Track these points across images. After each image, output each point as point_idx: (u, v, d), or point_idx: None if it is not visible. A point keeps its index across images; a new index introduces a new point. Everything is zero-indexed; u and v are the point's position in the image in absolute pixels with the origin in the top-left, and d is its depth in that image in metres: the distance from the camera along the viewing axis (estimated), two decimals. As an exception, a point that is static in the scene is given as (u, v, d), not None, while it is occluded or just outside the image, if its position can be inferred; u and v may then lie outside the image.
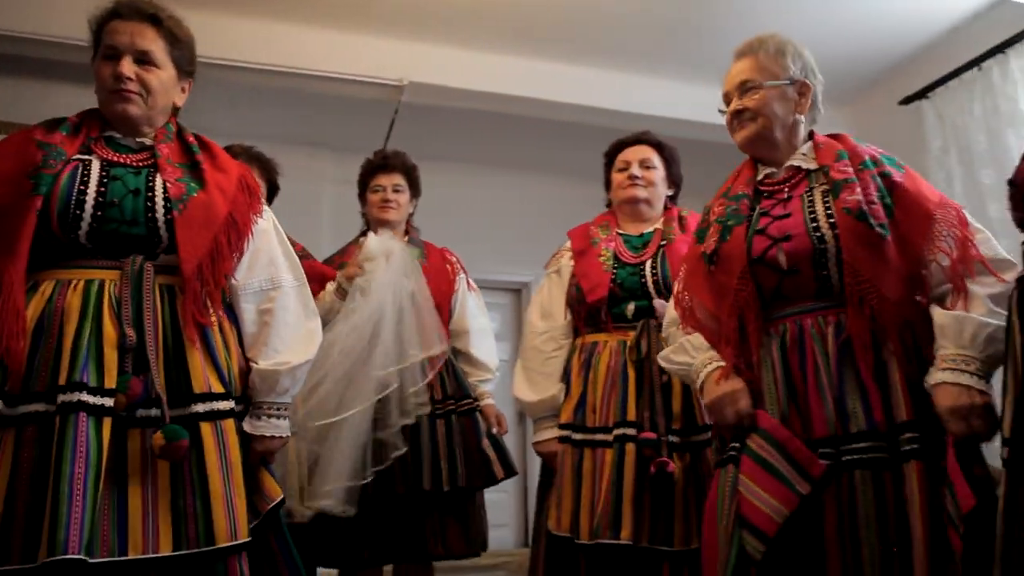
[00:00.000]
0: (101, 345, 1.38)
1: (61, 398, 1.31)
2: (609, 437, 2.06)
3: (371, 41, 3.69)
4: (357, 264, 2.52)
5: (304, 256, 2.56)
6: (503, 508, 2.28)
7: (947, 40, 3.74)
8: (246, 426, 1.56)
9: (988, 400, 1.33)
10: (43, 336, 1.38)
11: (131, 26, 1.52)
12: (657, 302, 2.13)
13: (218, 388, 1.47)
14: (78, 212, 1.43)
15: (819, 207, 1.58)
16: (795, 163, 1.69)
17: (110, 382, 1.36)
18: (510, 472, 2.58)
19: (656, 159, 2.34)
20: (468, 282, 2.81)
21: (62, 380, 1.33)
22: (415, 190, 2.83)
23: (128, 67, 1.51)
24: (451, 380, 2.59)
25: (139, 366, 1.40)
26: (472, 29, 3.64)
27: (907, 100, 3.91)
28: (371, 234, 2.64)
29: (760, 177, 1.73)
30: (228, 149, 2.65)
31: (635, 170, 2.31)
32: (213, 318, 1.52)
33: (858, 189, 1.55)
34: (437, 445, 2.47)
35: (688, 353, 1.70)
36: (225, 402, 1.48)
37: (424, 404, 2.41)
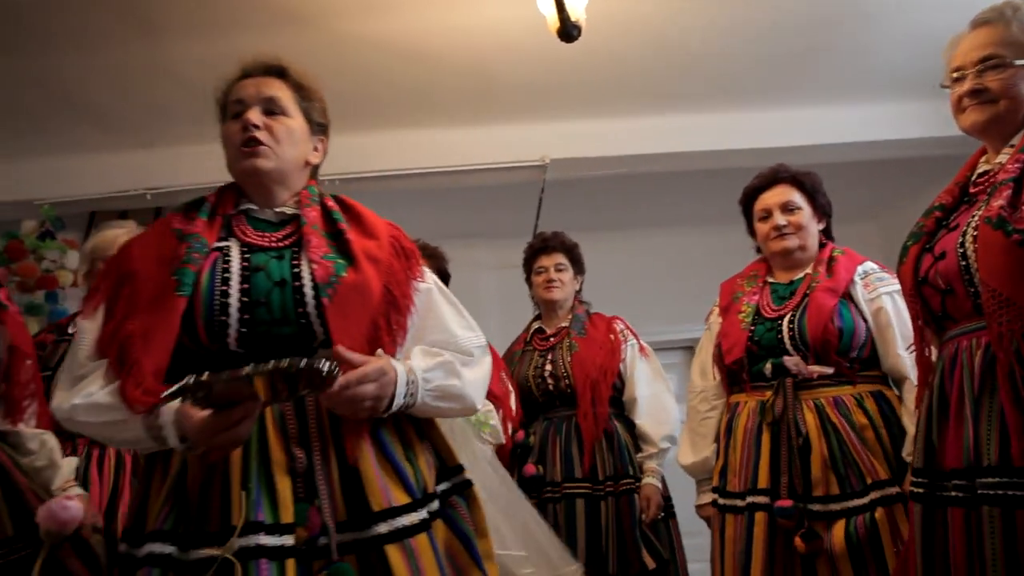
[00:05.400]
0: (271, 472, 1.18)
1: (239, 543, 1.11)
2: (743, 503, 1.93)
3: (508, 129, 3.81)
4: None
5: None
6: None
7: None
8: None
9: None
10: (211, 470, 1.19)
11: (256, 80, 1.40)
12: (788, 360, 1.95)
13: (402, 499, 1.21)
14: (223, 318, 1.24)
15: (977, 217, 1.35)
16: (1002, 159, 1.41)
17: (287, 516, 1.16)
18: (660, 560, 2.39)
19: (798, 197, 2.13)
20: (641, 347, 2.71)
21: (235, 520, 1.13)
22: (578, 267, 2.84)
23: (255, 115, 1.34)
24: (612, 458, 2.48)
25: (312, 490, 1.19)
26: (602, 98, 3.67)
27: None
28: None
29: (978, 173, 1.48)
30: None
31: (779, 219, 2.11)
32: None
33: (1007, 192, 1.30)
34: (599, 530, 2.37)
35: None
36: (412, 514, 1.21)
37: None
